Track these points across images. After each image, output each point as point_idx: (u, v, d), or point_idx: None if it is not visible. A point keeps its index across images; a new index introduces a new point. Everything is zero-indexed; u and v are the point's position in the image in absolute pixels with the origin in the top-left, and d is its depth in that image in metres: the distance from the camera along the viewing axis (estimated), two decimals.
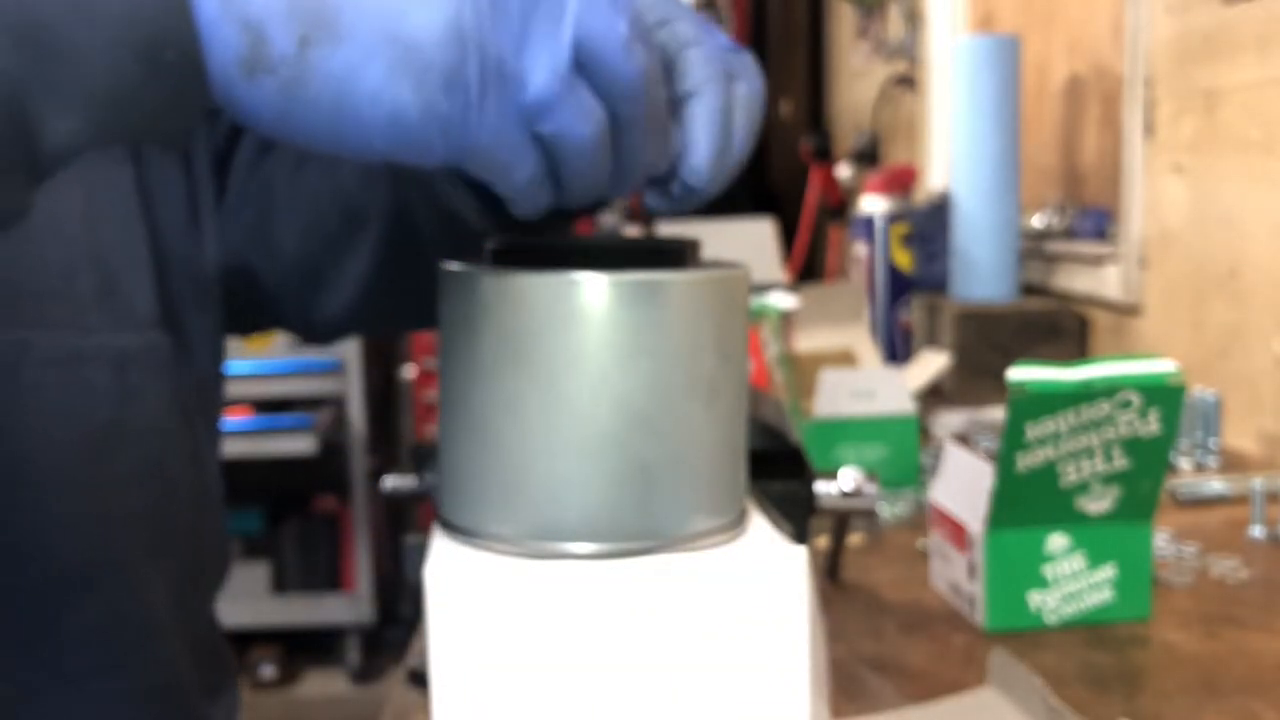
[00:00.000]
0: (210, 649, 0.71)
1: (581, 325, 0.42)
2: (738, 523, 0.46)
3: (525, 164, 0.42)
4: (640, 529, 0.43)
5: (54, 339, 0.58)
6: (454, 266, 0.45)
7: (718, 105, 0.48)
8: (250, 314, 0.71)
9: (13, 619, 0.58)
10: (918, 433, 1.22)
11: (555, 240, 0.50)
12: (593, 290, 0.42)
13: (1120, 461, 0.82)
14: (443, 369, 0.46)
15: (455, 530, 0.45)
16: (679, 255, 0.46)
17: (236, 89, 0.39)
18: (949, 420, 1.44)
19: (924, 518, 1.03)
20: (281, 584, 3.27)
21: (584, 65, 0.41)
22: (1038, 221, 1.94)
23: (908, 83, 2.70)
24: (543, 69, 0.41)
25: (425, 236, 0.65)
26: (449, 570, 0.42)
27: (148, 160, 0.64)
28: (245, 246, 0.69)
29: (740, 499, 0.47)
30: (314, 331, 0.73)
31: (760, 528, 0.47)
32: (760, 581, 0.43)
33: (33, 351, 0.57)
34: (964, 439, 1.36)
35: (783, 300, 1.59)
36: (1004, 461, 0.81)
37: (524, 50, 0.41)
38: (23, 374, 0.57)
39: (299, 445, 3.02)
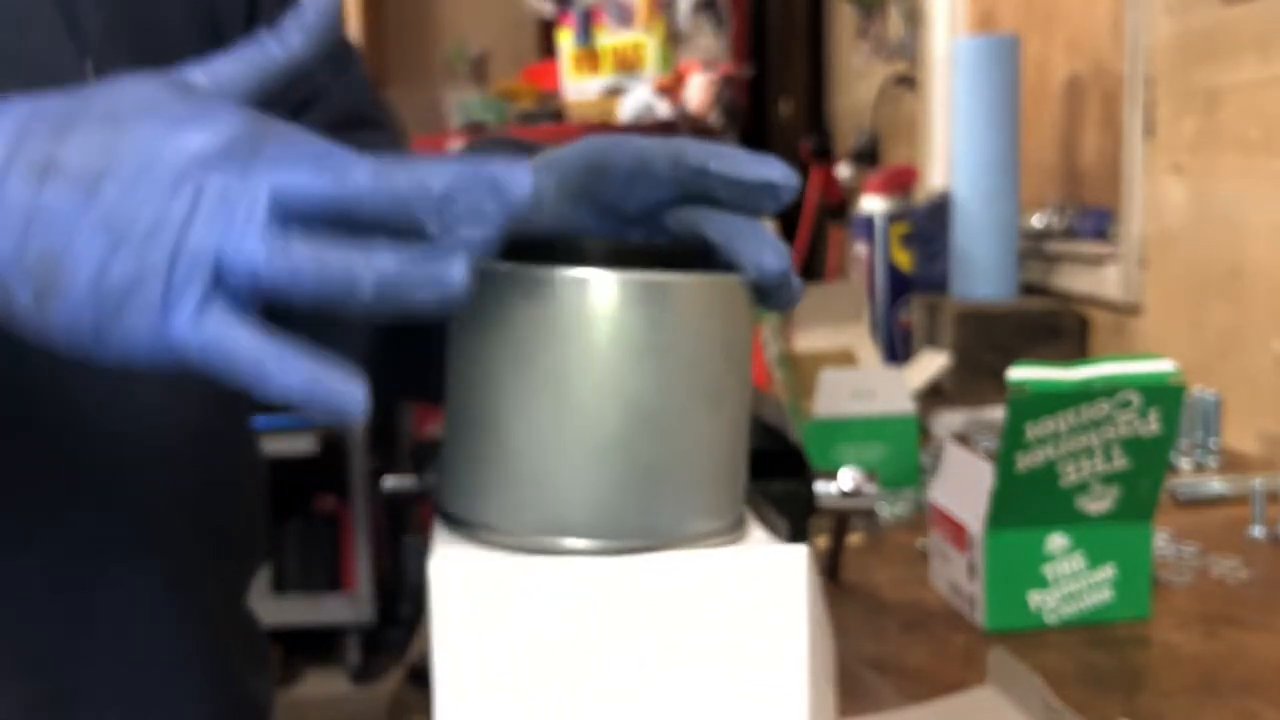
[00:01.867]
0: (248, 625, 0.72)
1: (589, 324, 0.42)
2: (739, 524, 0.46)
3: (247, 351, 0.41)
4: (643, 527, 0.43)
5: None
6: None
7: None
8: None
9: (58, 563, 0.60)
10: (918, 433, 1.22)
11: (566, 239, 0.51)
12: (601, 289, 0.42)
13: (1120, 461, 0.82)
14: (449, 364, 0.46)
15: (458, 525, 0.45)
16: (687, 258, 0.46)
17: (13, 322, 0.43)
18: (949, 420, 1.44)
19: (924, 518, 1.02)
20: (281, 584, 3.27)
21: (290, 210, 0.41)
22: (1038, 221, 1.94)
23: (908, 83, 2.69)
24: (242, 250, 0.40)
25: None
26: (452, 565, 0.42)
27: None
28: None
29: (741, 501, 0.47)
30: None
31: (760, 529, 0.47)
32: (760, 580, 0.43)
33: None
34: (964, 439, 1.36)
35: None
36: (1004, 461, 0.81)
37: (223, 241, 0.40)
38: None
39: (299, 445, 3.02)
